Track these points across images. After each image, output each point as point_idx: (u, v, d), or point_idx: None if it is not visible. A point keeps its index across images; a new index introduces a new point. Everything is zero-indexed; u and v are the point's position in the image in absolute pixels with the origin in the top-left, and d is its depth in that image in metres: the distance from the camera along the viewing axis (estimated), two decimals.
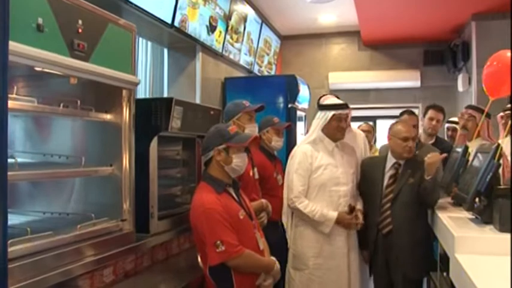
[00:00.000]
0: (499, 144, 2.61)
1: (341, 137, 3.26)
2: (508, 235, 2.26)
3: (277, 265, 2.57)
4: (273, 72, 6.70)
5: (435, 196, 3.08)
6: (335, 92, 7.66)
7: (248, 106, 3.25)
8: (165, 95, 4.35)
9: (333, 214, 3.11)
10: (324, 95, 3.53)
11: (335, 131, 3.21)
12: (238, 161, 2.49)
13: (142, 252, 2.56)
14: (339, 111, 3.19)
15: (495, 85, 3.49)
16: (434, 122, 4.19)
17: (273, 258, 2.62)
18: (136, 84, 2.41)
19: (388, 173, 3.26)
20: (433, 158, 3.08)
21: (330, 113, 3.18)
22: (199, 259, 2.50)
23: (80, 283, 2.07)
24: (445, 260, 2.75)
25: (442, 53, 7.19)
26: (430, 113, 4.26)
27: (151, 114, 2.59)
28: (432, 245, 3.21)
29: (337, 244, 3.18)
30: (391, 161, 3.28)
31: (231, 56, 5.03)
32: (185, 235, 3.05)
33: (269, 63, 6.40)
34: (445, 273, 2.76)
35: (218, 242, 2.28)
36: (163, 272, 2.63)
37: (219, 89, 4.92)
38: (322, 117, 3.23)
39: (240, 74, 5.50)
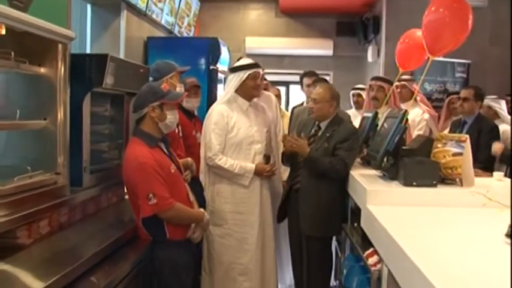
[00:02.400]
0: (406, 111, 2.95)
1: (257, 94, 3.41)
2: (411, 188, 2.61)
3: (207, 216, 2.75)
4: (191, 34, 6.69)
5: (320, 171, 3.20)
6: (251, 57, 7.87)
7: (177, 67, 3.34)
8: (88, 51, 4.25)
9: (252, 166, 3.30)
10: (240, 58, 3.63)
11: (251, 89, 3.35)
12: (172, 118, 2.60)
13: (75, 206, 2.60)
14: (253, 70, 3.34)
15: (406, 59, 3.86)
16: (311, 88, 4.43)
17: (202, 210, 2.78)
18: (72, 39, 2.40)
19: (310, 133, 3.45)
20: (299, 147, 3.25)
21: (245, 73, 3.32)
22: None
23: (18, 234, 2.10)
24: (356, 212, 3.07)
25: (354, 25, 7.58)
26: (306, 80, 4.49)
27: (85, 70, 2.58)
28: (338, 209, 3.36)
29: (253, 199, 3.36)
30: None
31: (154, 16, 4.98)
32: (113, 190, 3.11)
33: (189, 24, 6.39)
34: (355, 224, 3.08)
35: (150, 195, 2.39)
36: (95, 224, 2.69)
37: (141, 48, 4.88)
38: (235, 79, 3.35)
39: (162, 34, 5.47)
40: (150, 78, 3.28)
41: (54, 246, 2.22)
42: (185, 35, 6.24)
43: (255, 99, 3.47)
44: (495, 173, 3.02)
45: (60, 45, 2.37)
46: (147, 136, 2.54)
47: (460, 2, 3.02)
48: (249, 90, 3.36)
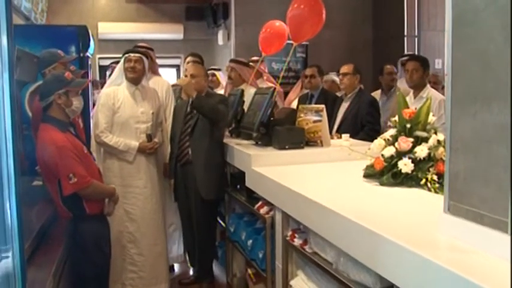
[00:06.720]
0: (275, 88, 3.57)
1: (130, 75, 3.72)
2: (284, 151, 3.24)
3: (117, 191, 3.08)
4: (44, 21, 6.56)
5: (207, 110, 3.63)
6: (104, 42, 7.98)
7: (64, 56, 3.52)
8: None
9: (135, 143, 3.67)
10: None
11: (126, 71, 3.73)
12: (77, 103, 2.88)
13: None
14: (128, 54, 3.74)
15: (268, 45, 4.52)
16: None
17: (113, 186, 3.11)
18: None
19: (186, 112, 3.88)
20: (183, 81, 3.73)
21: (123, 58, 3.74)
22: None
23: None
24: (237, 177, 3.61)
25: (203, 10, 8.11)
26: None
27: None
28: (225, 173, 3.85)
29: (139, 174, 3.72)
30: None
31: (15, 2, 4.86)
32: None
33: (42, 10, 6.25)
34: (238, 186, 3.63)
35: (71, 174, 2.67)
36: None
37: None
38: (120, 63, 3.78)
39: (21, 21, 5.33)
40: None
41: None
42: (39, 21, 6.11)
43: (143, 83, 3.82)
44: (343, 135, 3.77)
45: None
46: (57, 121, 2.78)
47: (316, 0, 3.76)
48: (124, 71, 3.74)
